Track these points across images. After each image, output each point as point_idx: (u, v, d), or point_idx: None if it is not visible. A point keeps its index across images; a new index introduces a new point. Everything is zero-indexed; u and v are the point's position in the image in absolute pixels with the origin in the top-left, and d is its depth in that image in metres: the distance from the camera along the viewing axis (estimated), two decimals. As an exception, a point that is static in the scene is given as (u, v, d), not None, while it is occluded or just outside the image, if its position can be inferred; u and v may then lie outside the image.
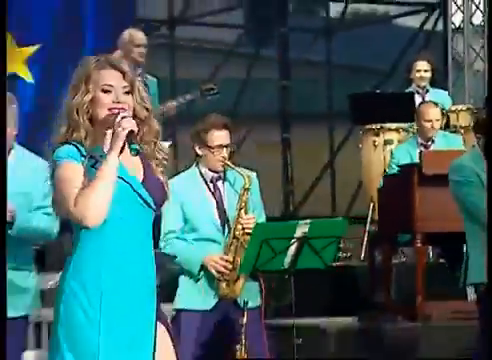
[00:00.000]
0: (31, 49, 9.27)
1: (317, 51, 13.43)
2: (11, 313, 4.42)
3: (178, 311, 5.13)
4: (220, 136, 5.15)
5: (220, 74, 11.83)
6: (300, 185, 11.53)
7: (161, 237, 5.07)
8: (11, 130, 4.64)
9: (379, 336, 6.90)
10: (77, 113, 3.28)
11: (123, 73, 3.32)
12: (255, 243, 4.71)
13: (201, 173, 5.15)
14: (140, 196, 3.31)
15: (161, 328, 3.40)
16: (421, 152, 6.95)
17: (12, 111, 4.69)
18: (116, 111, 3.25)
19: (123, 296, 3.30)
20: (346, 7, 13.82)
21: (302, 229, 4.88)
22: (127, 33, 7.80)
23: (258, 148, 11.91)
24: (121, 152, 3.24)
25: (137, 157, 3.37)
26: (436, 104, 8.29)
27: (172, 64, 11.98)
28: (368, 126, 8.40)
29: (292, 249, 4.84)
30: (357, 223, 9.46)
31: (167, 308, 5.42)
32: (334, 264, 8.95)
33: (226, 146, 5.09)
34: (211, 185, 5.13)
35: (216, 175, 5.13)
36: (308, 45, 13.52)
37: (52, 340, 3.40)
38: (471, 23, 11.98)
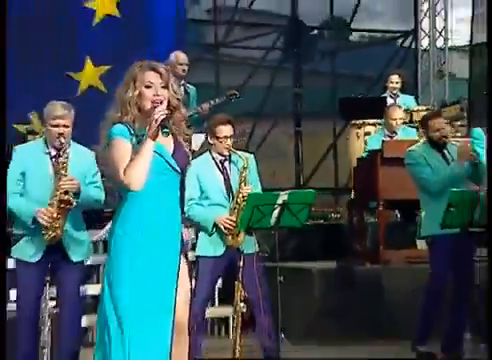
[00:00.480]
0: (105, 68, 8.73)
1: (324, 65, 13.11)
2: (75, 259, 4.40)
3: (197, 257, 5.02)
4: (225, 129, 4.98)
5: (250, 82, 11.60)
6: (308, 164, 11.24)
7: (185, 203, 4.78)
8: (69, 131, 4.50)
9: (352, 275, 6.66)
10: (129, 104, 3.36)
11: (160, 73, 3.40)
12: (248, 208, 4.60)
13: (212, 157, 5.04)
14: (168, 163, 3.39)
15: (184, 266, 3.41)
16: (383, 141, 6.92)
17: (71, 116, 4.53)
18: (156, 104, 3.34)
19: (156, 240, 3.35)
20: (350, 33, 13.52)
21: (283, 198, 4.70)
22: (173, 54, 7.54)
23: (280, 138, 11.73)
24: (157, 135, 3.31)
25: (170, 135, 3.46)
26: (400, 107, 8.12)
27: (217, 74, 11.66)
28: (353, 121, 8.18)
29: (276, 212, 4.69)
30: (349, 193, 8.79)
31: (190, 255, 5.40)
32: (327, 223, 8.92)
33: (230, 137, 4.94)
34: (220, 165, 5.02)
35: (223, 158, 5.02)
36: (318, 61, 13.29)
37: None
38: (435, 46, 11.82)
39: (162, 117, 3.30)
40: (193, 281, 5.07)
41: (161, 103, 3.38)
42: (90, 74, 8.62)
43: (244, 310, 5.08)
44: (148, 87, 3.40)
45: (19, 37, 8.63)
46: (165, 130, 3.45)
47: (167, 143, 3.49)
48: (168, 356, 3.29)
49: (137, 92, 3.38)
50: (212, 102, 7.67)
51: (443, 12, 11.81)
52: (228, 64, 12.66)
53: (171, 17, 9.53)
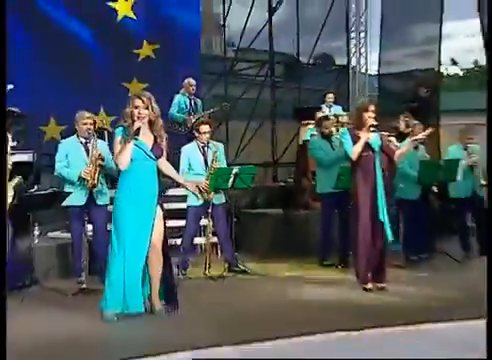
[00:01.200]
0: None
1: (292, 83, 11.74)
2: (100, 202, 4.27)
3: (187, 206, 4.86)
4: (204, 127, 4.85)
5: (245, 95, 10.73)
6: (280, 147, 10.33)
7: (179, 172, 4.55)
8: (92, 127, 4.45)
9: (292, 217, 6.30)
10: (126, 116, 3.46)
11: (143, 100, 3.42)
12: (214, 177, 4.60)
13: (197, 144, 4.89)
14: (146, 153, 3.45)
15: (160, 212, 3.48)
16: (312, 136, 6.10)
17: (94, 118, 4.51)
18: (137, 119, 3.40)
19: (139, 198, 3.42)
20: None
21: (235, 170, 4.69)
22: (187, 80, 6.92)
23: (265, 131, 11.07)
24: (138, 135, 3.36)
25: (151, 136, 3.50)
26: (331, 115, 6.97)
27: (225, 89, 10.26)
28: (303, 122, 7.58)
29: (231, 180, 4.64)
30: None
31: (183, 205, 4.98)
32: (286, 184, 8.63)
33: (208, 132, 4.82)
34: (201, 149, 4.87)
35: (203, 145, 4.86)
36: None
37: None
38: (360, 71, 11.17)
39: (138, 125, 3.38)
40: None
41: (143, 118, 3.43)
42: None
43: (213, 240, 5.10)
44: (136, 107, 3.43)
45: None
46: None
47: (148, 141, 3.51)
48: (144, 259, 3.39)
49: (130, 110, 3.44)
50: (211, 110, 7.16)
51: (364, 53, 10.94)
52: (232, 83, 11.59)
53: (194, 52, 8.27)
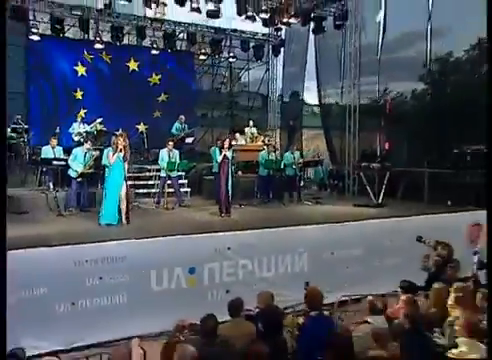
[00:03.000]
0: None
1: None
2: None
3: (161, 176, 9.03)
4: (171, 143, 8.81)
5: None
6: None
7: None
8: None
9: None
10: (114, 143, 6.65)
11: (122, 137, 6.59)
12: (170, 164, 8.88)
13: (167, 149, 8.70)
14: (120, 159, 6.58)
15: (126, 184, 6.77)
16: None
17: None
18: (116, 147, 6.57)
19: (115, 175, 6.56)
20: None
21: (178, 162, 8.95)
22: (180, 116, 11.89)
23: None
24: (116, 151, 6.54)
25: (123, 151, 6.55)
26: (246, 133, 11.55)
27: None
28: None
29: (176, 166, 8.89)
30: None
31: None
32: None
33: (172, 143, 8.88)
34: (168, 152, 8.73)
35: (169, 149, 8.68)
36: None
37: None
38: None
39: (119, 148, 6.48)
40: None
41: (120, 145, 6.56)
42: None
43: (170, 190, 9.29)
44: (119, 140, 6.59)
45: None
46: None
47: (121, 153, 6.66)
48: (118, 202, 6.57)
49: (116, 140, 6.64)
50: (189, 130, 11.73)
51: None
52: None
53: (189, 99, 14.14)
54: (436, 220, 8.35)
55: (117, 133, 7.40)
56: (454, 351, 3.28)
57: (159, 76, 13.87)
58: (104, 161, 7.17)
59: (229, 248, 6.64)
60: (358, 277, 7.24)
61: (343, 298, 6.50)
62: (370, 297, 4.48)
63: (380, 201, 9.56)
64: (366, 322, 4.04)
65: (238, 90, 15.89)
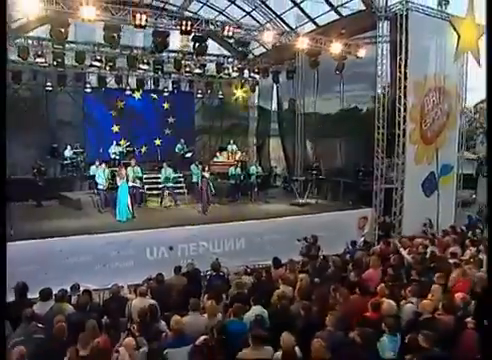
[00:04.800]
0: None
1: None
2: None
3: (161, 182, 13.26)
4: (187, 154, 13.61)
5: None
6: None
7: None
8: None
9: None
10: (119, 170, 11.35)
11: (123, 166, 11.27)
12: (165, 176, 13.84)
13: (166, 165, 12.75)
14: (123, 181, 10.80)
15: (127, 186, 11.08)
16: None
17: None
18: (122, 172, 10.80)
19: (123, 187, 10.77)
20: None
21: (172, 175, 13.16)
22: (181, 140, 16.35)
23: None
24: (120, 178, 10.69)
25: (125, 178, 10.73)
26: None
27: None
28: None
29: (171, 178, 13.49)
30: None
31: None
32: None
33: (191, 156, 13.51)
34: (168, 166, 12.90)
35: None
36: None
37: None
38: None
39: (123, 175, 10.69)
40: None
41: (123, 172, 10.90)
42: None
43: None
44: (121, 168, 10.97)
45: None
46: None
47: (124, 179, 10.94)
48: (126, 206, 10.62)
49: (121, 168, 10.98)
50: (189, 148, 15.48)
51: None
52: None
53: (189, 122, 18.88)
54: (338, 215, 12.37)
55: (121, 163, 12.07)
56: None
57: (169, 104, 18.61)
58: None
59: (195, 235, 10.27)
60: (270, 252, 9.54)
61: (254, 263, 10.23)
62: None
63: (305, 201, 13.56)
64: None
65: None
